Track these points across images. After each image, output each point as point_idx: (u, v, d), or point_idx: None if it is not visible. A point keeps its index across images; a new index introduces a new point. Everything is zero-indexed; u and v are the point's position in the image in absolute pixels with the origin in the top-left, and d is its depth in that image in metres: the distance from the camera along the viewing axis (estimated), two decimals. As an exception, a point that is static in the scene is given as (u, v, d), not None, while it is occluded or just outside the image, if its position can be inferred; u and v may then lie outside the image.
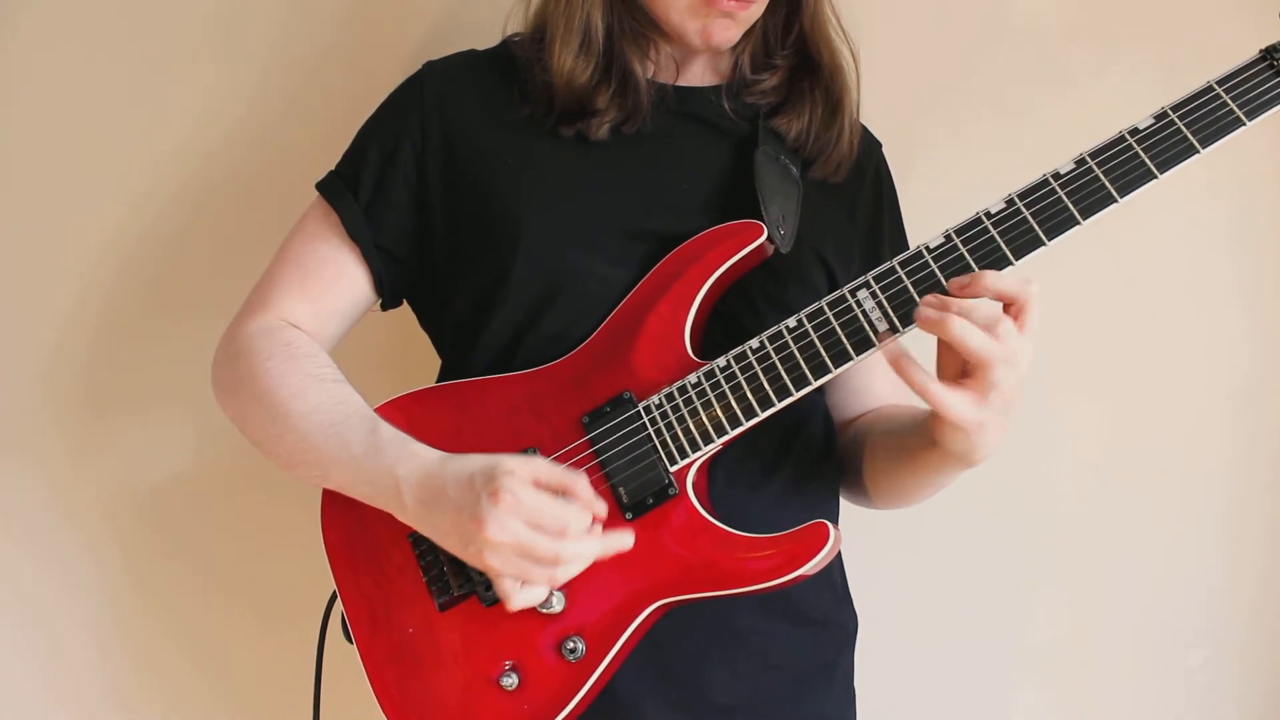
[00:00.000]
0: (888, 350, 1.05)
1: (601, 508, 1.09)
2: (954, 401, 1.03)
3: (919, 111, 1.67)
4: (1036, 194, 1.07)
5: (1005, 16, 1.69)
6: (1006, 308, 1.03)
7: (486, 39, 1.35)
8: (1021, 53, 1.69)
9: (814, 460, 1.28)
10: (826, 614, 1.31)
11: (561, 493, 1.05)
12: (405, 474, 1.09)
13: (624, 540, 1.09)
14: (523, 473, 1.04)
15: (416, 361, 1.39)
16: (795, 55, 1.31)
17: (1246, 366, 1.73)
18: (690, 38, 1.23)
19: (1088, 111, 1.64)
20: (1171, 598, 1.77)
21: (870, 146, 1.41)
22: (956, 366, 1.05)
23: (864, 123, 1.38)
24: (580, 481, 1.07)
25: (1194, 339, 1.73)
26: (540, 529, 1.02)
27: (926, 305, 1.03)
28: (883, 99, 1.39)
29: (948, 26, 1.70)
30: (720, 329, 1.22)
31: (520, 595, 1.06)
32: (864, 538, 1.43)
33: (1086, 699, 1.80)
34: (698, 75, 1.33)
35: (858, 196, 1.37)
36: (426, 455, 1.11)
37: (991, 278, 1.03)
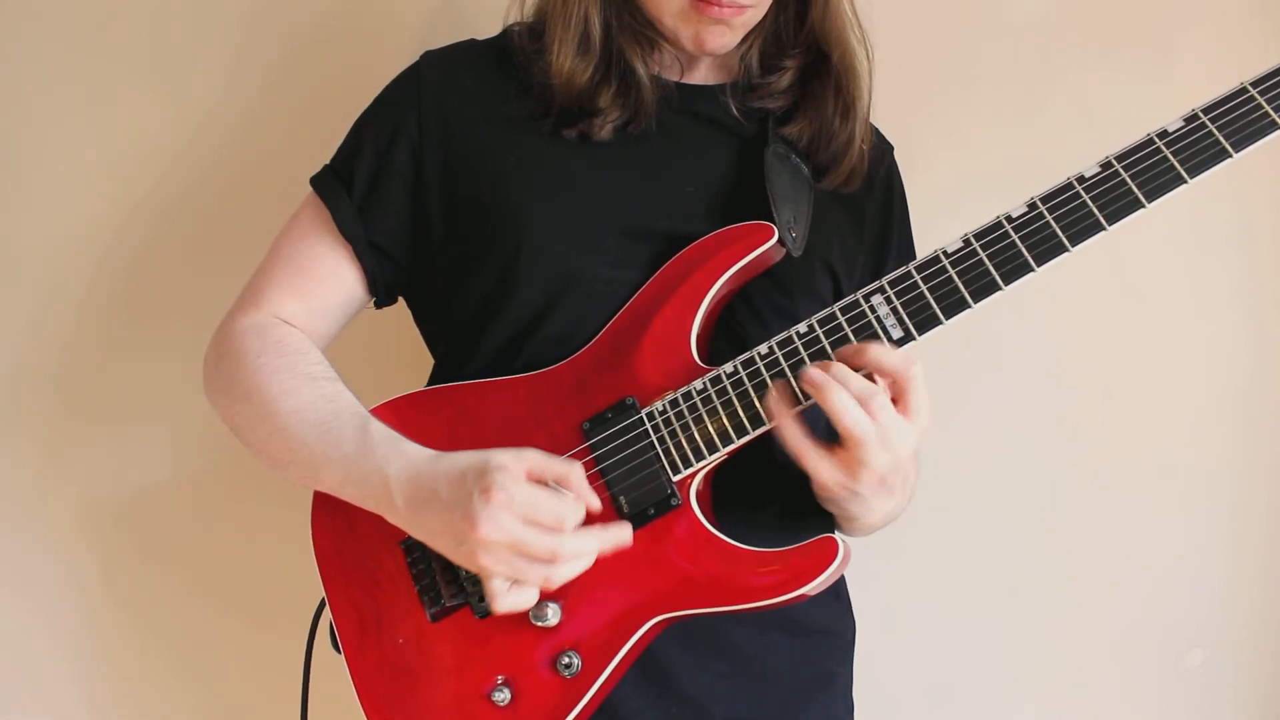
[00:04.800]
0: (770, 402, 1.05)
1: (595, 500, 1.06)
2: (821, 467, 1.04)
3: (919, 109, 1.64)
4: (1060, 197, 1.04)
5: (1006, 14, 1.67)
6: (891, 385, 1.03)
7: (487, 28, 1.31)
8: (1022, 50, 1.67)
9: None
10: (825, 623, 1.29)
11: (556, 483, 1.03)
12: (395, 473, 1.06)
13: (622, 535, 1.07)
14: (515, 467, 1.01)
15: (418, 360, 1.36)
16: (807, 54, 1.27)
17: (1246, 367, 1.72)
18: (684, 43, 1.21)
19: (1088, 110, 1.65)
20: (1172, 597, 1.76)
21: (881, 151, 1.37)
22: None
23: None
24: (575, 470, 1.04)
25: (1194, 339, 1.72)
26: (535, 524, 1.00)
27: (811, 370, 1.02)
28: (882, 96, 1.35)
29: (948, 23, 1.68)
30: (725, 337, 1.19)
31: (509, 596, 1.04)
32: (860, 540, 1.41)
33: (1087, 700, 1.79)
34: (703, 73, 1.29)
35: (866, 203, 1.33)
36: (417, 454, 1.08)
37: (875, 351, 1.02)
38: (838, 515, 1.18)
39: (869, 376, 1.03)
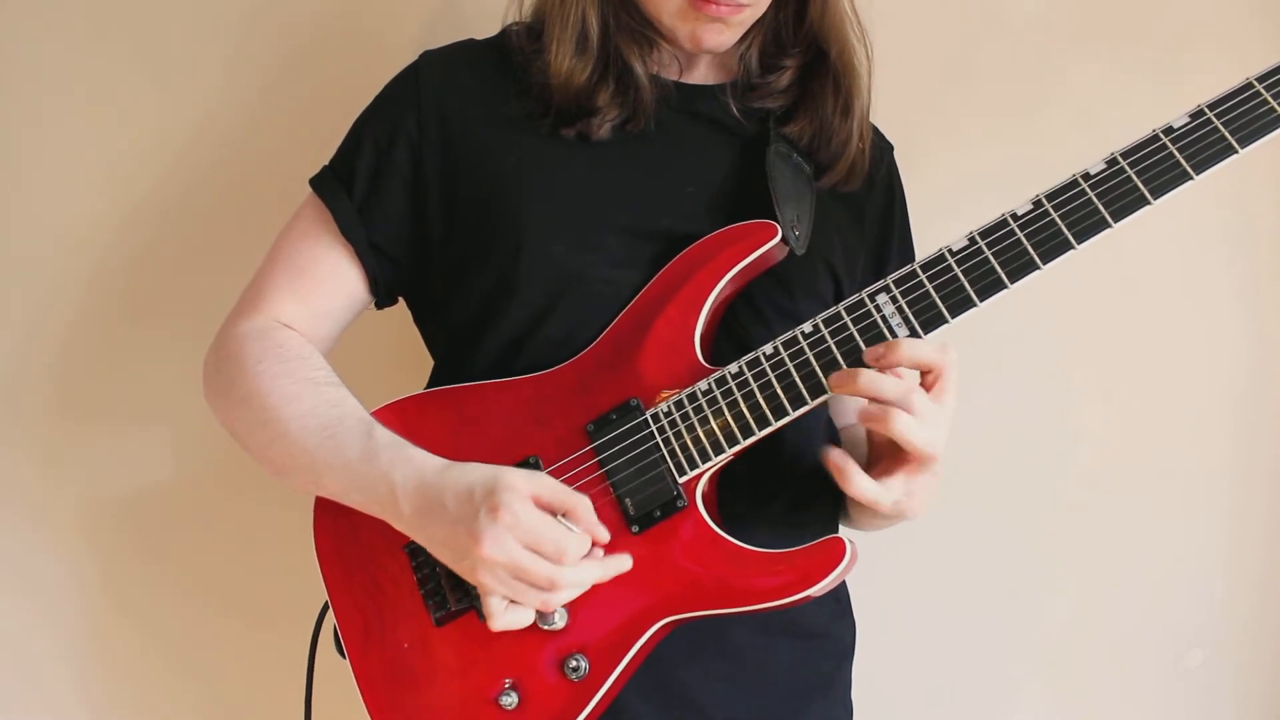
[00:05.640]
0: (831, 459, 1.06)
1: (603, 533, 1.06)
2: (874, 493, 1.05)
3: (919, 109, 1.64)
4: (1065, 195, 1.04)
5: (1006, 15, 1.67)
6: (924, 375, 1.03)
7: (486, 28, 1.31)
8: (1022, 51, 1.67)
9: (825, 474, 1.24)
10: (826, 626, 1.29)
11: (563, 514, 1.02)
12: (401, 480, 1.06)
13: (622, 564, 1.07)
14: (524, 489, 1.00)
15: (418, 361, 1.35)
16: (806, 52, 1.27)
17: (1247, 369, 1.72)
18: (682, 41, 1.20)
19: (1089, 109, 1.65)
20: (1172, 598, 1.76)
21: (881, 151, 1.36)
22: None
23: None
24: (583, 504, 1.04)
25: (1195, 342, 1.72)
26: (537, 551, 1.00)
27: (871, 408, 1.02)
28: (882, 96, 1.35)
29: (948, 23, 1.68)
30: (726, 337, 1.18)
31: (505, 616, 1.04)
32: (860, 541, 1.41)
33: (1087, 700, 1.79)
34: (702, 73, 1.29)
35: (867, 203, 1.32)
36: (425, 462, 1.07)
37: (908, 347, 1.02)
38: (873, 517, 1.19)
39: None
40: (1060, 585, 1.76)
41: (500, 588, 1.01)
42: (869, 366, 1.03)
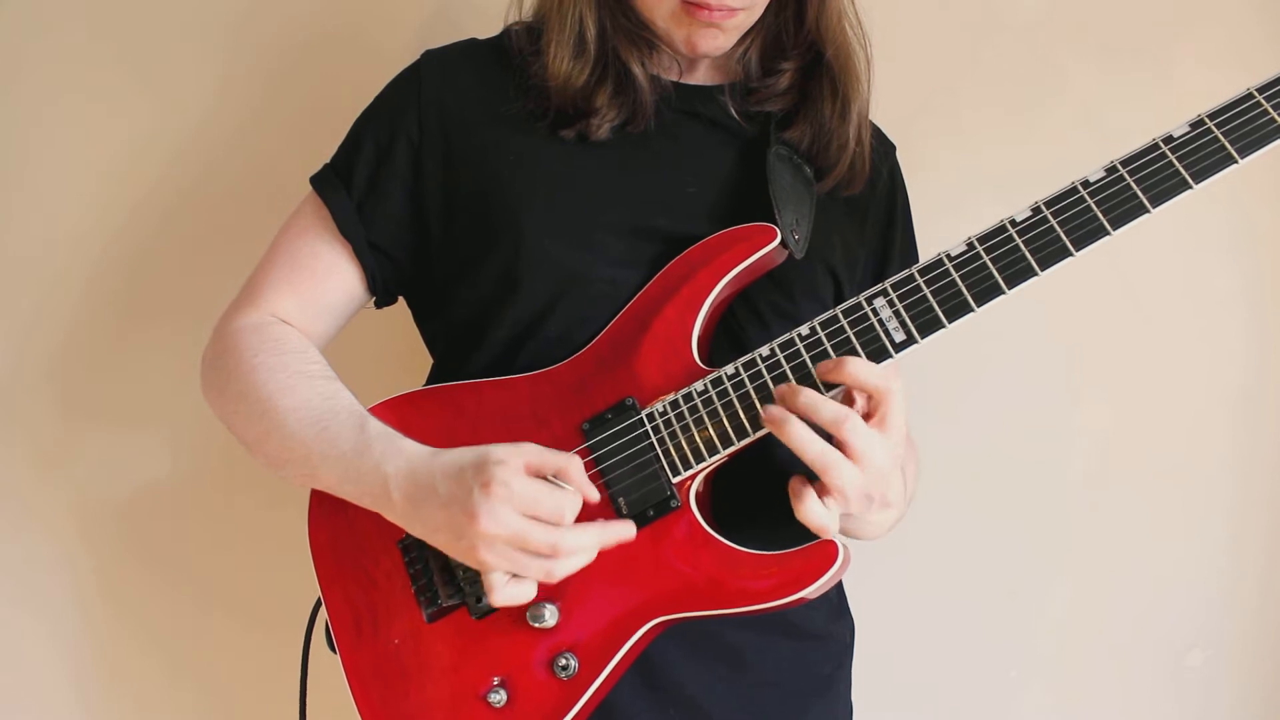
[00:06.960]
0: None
1: (594, 493, 1.06)
2: (809, 509, 1.03)
3: (919, 109, 1.63)
4: (1064, 202, 1.03)
5: (1006, 15, 1.67)
6: (867, 400, 1.03)
7: (485, 29, 1.31)
8: (1023, 51, 1.67)
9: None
10: (824, 627, 1.29)
11: (555, 476, 1.03)
12: (393, 470, 1.06)
13: (625, 531, 1.06)
14: (514, 460, 1.00)
15: (418, 360, 1.35)
16: (806, 54, 1.26)
17: (1246, 368, 1.72)
18: (677, 45, 1.20)
19: (1089, 109, 1.65)
20: (1172, 598, 1.76)
21: (884, 152, 1.36)
22: None
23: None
24: (574, 463, 1.04)
25: (1193, 341, 1.72)
26: (535, 518, 1.00)
27: (772, 407, 1.03)
28: (883, 96, 1.34)
29: (949, 23, 1.67)
30: (725, 339, 1.18)
31: (507, 589, 1.03)
32: (860, 542, 1.42)
33: (1087, 700, 1.79)
34: (702, 74, 1.29)
35: (869, 205, 1.32)
36: (414, 451, 1.07)
37: (854, 366, 1.02)
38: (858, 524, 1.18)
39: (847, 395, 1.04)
40: (1060, 585, 1.77)
41: (502, 562, 1.01)
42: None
